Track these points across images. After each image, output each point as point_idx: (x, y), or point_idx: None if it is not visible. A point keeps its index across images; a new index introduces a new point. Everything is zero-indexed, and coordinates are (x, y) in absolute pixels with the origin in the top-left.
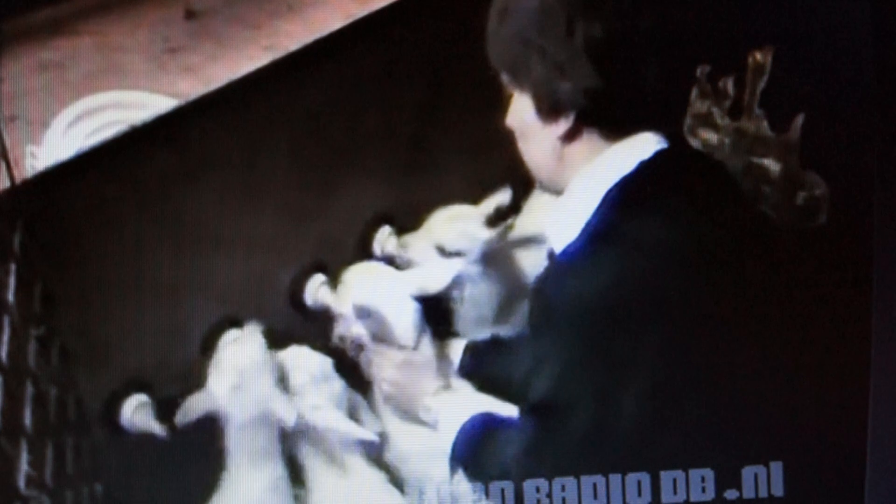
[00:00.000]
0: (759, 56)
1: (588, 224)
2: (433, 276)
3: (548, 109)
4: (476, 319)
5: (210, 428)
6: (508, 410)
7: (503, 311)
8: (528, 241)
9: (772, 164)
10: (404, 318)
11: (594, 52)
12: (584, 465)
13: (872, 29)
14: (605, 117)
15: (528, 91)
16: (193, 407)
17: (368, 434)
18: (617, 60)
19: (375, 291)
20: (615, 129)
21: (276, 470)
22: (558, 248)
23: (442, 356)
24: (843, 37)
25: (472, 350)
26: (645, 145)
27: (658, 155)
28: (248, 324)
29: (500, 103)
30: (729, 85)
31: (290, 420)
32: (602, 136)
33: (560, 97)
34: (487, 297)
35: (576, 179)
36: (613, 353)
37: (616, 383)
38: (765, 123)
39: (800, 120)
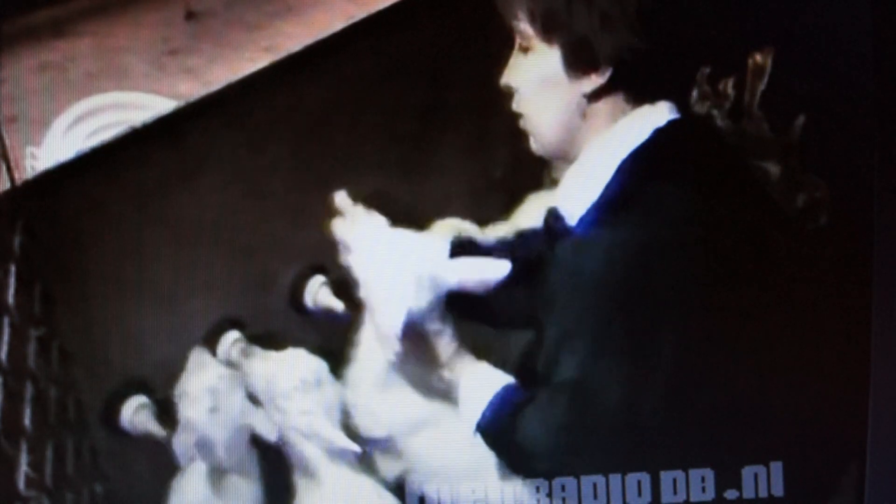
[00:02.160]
0: (759, 58)
1: (603, 194)
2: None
3: (582, 63)
4: None
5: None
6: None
7: None
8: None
9: (772, 166)
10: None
11: (646, 8)
12: (618, 446)
13: (872, 30)
14: (637, 78)
15: (561, 42)
16: (181, 444)
17: (353, 445)
18: (662, 21)
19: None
20: (641, 92)
21: (251, 481)
22: (574, 217)
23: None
24: (843, 38)
25: None
26: (661, 114)
27: (673, 123)
28: (247, 325)
29: (500, 103)
30: (729, 86)
31: (271, 434)
32: (627, 98)
33: (600, 51)
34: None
35: (590, 146)
36: (639, 327)
37: (645, 358)
38: (765, 125)
39: (800, 121)
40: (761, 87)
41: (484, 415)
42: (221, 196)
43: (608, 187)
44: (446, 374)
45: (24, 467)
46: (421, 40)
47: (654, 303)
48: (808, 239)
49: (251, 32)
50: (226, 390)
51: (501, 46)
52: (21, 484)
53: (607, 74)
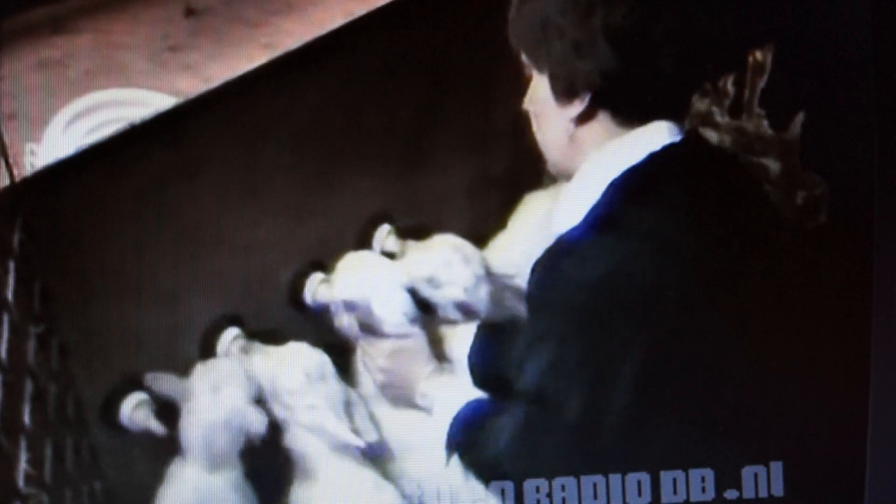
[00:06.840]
0: (759, 55)
1: (592, 210)
2: (422, 259)
3: (564, 90)
4: None
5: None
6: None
7: None
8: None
9: (771, 163)
10: (392, 308)
11: (612, 34)
12: (578, 455)
13: (872, 29)
14: (620, 101)
15: (546, 71)
16: (170, 385)
17: (358, 440)
18: (634, 46)
19: (364, 282)
20: (629, 114)
21: (232, 475)
22: (560, 231)
23: (435, 339)
24: (843, 37)
25: (485, 330)
26: (658, 135)
27: (669, 147)
28: (247, 322)
29: (500, 102)
30: (729, 84)
31: (259, 429)
32: (616, 121)
33: (576, 77)
34: None
35: (585, 165)
36: (606, 342)
37: (608, 373)
38: (765, 122)
39: (800, 119)
40: (761, 84)
41: (451, 428)
42: (221, 193)
43: (595, 207)
44: (426, 389)
45: (23, 464)
46: (421, 38)
47: (626, 312)
48: (808, 237)
49: (251, 29)
50: (230, 381)
51: (501, 45)
52: (20, 481)
53: (587, 100)
